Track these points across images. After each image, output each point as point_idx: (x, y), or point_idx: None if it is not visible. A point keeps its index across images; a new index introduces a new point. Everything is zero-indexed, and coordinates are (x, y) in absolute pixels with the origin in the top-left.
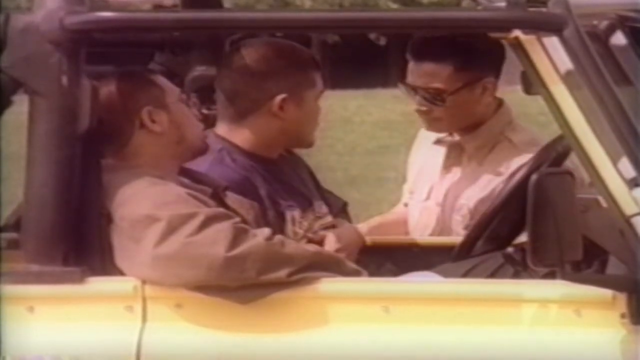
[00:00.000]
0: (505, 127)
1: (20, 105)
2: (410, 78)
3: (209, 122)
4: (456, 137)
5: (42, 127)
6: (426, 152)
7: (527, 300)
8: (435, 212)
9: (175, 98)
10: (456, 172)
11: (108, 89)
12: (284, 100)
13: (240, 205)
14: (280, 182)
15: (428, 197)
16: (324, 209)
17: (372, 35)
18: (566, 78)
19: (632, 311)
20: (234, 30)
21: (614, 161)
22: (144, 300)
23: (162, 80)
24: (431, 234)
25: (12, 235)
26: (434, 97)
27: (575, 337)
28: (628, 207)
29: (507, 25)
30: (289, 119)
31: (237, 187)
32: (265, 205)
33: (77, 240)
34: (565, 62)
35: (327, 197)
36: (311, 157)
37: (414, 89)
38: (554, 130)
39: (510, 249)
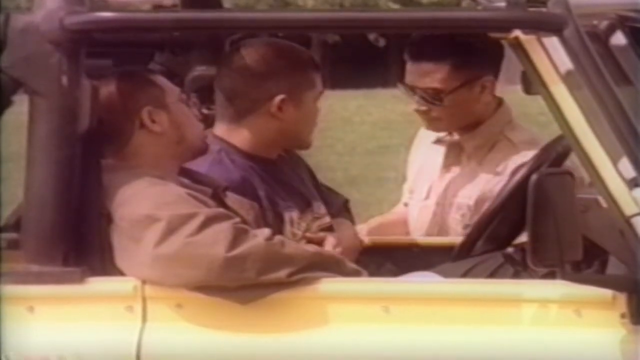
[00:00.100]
0: (505, 126)
1: (20, 105)
2: (409, 78)
3: (209, 122)
4: (456, 137)
5: (42, 127)
6: (426, 152)
7: (527, 300)
8: (434, 211)
9: (175, 98)
10: (456, 172)
11: (108, 89)
12: (282, 100)
13: (240, 206)
14: (278, 183)
15: (427, 197)
16: (323, 209)
17: (371, 37)
18: (566, 78)
19: (632, 311)
20: (234, 30)
21: (614, 161)
22: (144, 300)
23: (162, 80)
24: (430, 234)
25: (12, 235)
26: (432, 97)
27: (575, 337)
28: (628, 207)
29: (507, 25)
30: (287, 120)
31: (237, 187)
32: (264, 206)
33: (77, 240)
34: (565, 62)
35: (328, 195)
36: (311, 157)
37: (413, 89)
38: (554, 130)
39: (510, 249)
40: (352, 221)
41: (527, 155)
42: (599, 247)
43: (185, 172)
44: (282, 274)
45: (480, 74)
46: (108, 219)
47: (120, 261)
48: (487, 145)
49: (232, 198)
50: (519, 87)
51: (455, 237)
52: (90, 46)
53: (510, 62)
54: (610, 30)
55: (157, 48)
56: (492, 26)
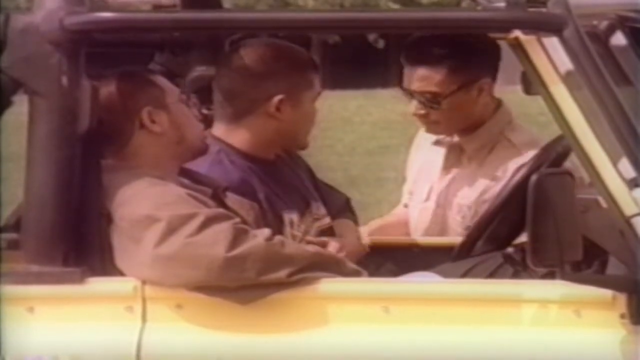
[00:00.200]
0: (505, 127)
1: (20, 105)
2: (406, 82)
3: (209, 122)
4: (455, 138)
5: (42, 127)
6: (426, 153)
7: (527, 300)
8: (435, 213)
9: (175, 98)
10: (456, 173)
11: (108, 89)
12: (281, 101)
13: (241, 206)
14: (278, 184)
15: (428, 198)
16: (322, 210)
17: (371, 38)
18: (566, 78)
19: (632, 311)
20: (234, 30)
21: (614, 161)
22: (144, 300)
23: (162, 80)
24: (430, 235)
25: (12, 235)
26: (429, 101)
27: (575, 338)
28: (628, 208)
29: (507, 26)
30: (285, 120)
31: (237, 188)
32: (264, 207)
33: (77, 241)
34: (565, 62)
35: (328, 194)
36: (311, 157)
37: (411, 93)
38: (554, 130)
39: (510, 249)
40: (355, 221)
41: (527, 157)
42: (599, 247)
43: (185, 173)
44: (282, 274)
45: (478, 77)
46: (108, 219)
47: (120, 261)
48: (487, 146)
49: (232, 198)
50: (518, 88)
51: (455, 237)
52: (90, 46)
53: (510, 63)
54: (610, 30)
55: (157, 48)
56: (492, 26)
